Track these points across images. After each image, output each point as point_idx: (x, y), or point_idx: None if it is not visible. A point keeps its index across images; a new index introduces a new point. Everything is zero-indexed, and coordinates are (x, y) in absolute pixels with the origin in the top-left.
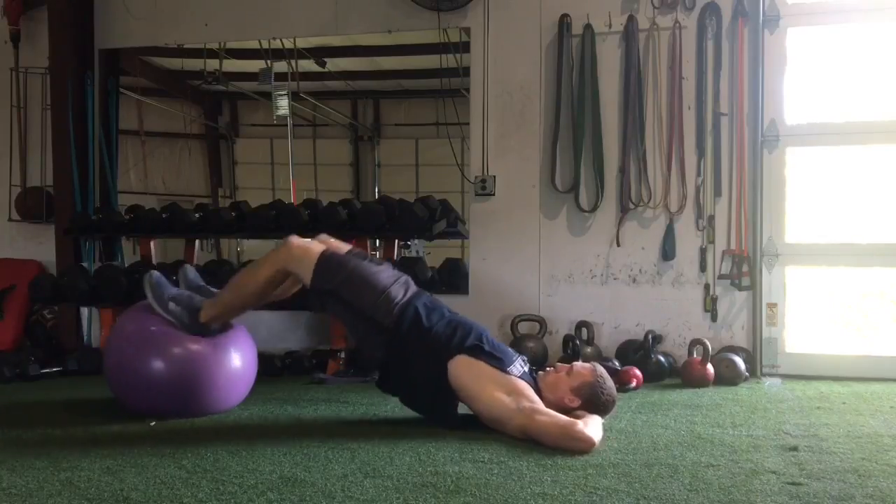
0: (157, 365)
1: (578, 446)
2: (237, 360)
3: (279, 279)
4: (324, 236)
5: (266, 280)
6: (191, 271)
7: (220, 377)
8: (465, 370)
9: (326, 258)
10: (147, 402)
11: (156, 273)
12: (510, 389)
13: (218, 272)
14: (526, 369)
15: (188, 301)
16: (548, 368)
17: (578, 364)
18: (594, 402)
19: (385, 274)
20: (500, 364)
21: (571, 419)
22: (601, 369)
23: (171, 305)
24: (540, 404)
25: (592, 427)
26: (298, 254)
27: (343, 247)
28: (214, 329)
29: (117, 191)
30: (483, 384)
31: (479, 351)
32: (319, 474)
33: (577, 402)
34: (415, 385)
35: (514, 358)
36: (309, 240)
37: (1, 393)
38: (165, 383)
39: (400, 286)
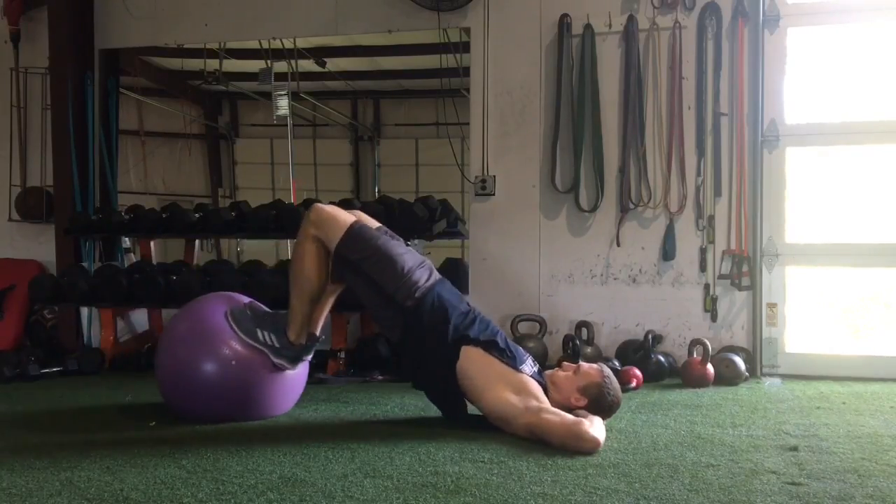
0: (211, 368)
1: (585, 447)
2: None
3: (321, 251)
4: (356, 211)
5: (309, 257)
6: (258, 306)
7: (276, 381)
8: (476, 362)
9: (357, 229)
10: (201, 406)
11: (235, 308)
12: (519, 388)
13: (218, 272)
14: (536, 369)
15: (273, 322)
16: (555, 368)
17: (586, 364)
18: (600, 402)
19: (410, 255)
20: (513, 362)
21: (578, 419)
22: (608, 370)
23: (259, 334)
24: (547, 404)
25: (597, 428)
26: (326, 216)
27: (373, 222)
28: (307, 346)
29: (117, 191)
30: (492, 381)
31: (494, 346)
32: (319, 474)
33: (583, 402)
34: (426, 368)
35: (526, 358)
36: (338, 207)
37: (1, 393)
38: (221, 388)
39: (424, 270)
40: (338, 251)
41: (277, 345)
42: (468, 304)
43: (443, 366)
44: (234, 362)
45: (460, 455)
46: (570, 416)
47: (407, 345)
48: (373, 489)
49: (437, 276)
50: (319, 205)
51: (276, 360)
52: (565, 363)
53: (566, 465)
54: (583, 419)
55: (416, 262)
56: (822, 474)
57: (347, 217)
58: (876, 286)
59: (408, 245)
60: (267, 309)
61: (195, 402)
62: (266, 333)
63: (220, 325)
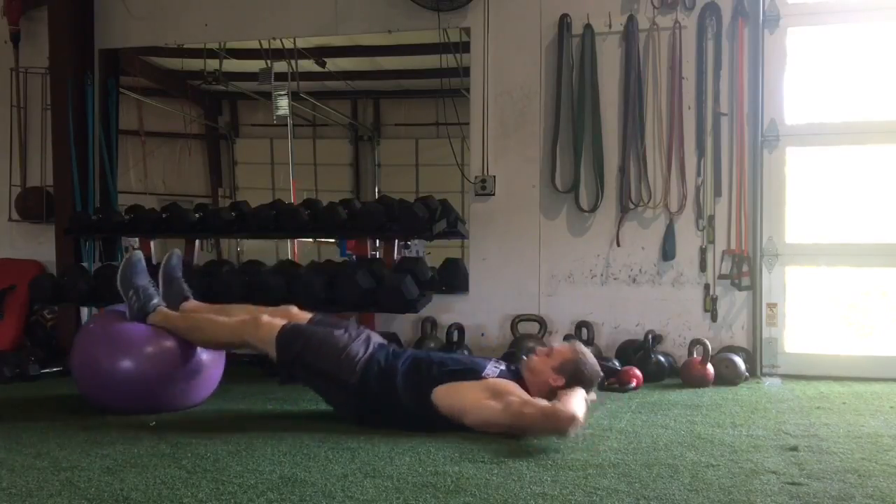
0: (125, 363)
1: (562, 426)
2: (204, 353)
3: (236, 347)
4: (290, 308)
5: (226, 343)
6: (176, 258)
7: (187, 371)
8: (447, 396)
9: (285, 331)
10: (114, 398)
11: (138, 254)
12: (493, 391)
13: (218, 272)
14: (502, 367)
15: (145, 300)
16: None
17: (558, 344)
18: (579, 376)
19: (343, 334)
20: (474, 375)
21: (549, 403)
22: (581, 346)
23: (131, 293)
24: (523, 394)
25: (573, 402)
26: (263, 335)
27: (305, 316)
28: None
29: (117, 191)
30: (464, 396)
31: (450, 374)
32: (319, 474)
33: (561, 381)
34: (409, 420)
35: (486, 364)
36: (272, 318)
37: (1, 393)
38: (132, 380)
39: (360, 344)
40: (279, 357)
41: (136, 313)
42: (410, 351)
43: (424, 411)
44: (146, 358)
45: (460, 455)
46: (542, 402)
47: (366, 417)
48: (373, 489)
49: (375, 343)
50: (261, 321)
51: (128, 315)
52: (539, 348)
53: (566, 465)
54: (555, 402)
55: (351, 338)
56: (822, 474)
57: (278, 322)
58: (876, 286)
59: (345, 324)
60: (181, 283)
61: (111, 396)
62: (135, 300)
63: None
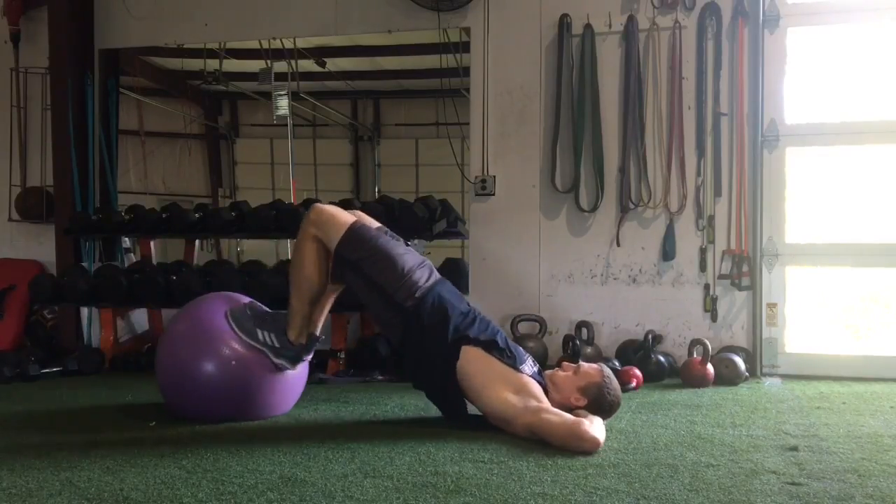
0: (211, 368)
1: (584, 446)
2: None
3: (321, 251)
4: (356, 211)
5: (310, 257)
6: (239, 312)
7: (275, 381)
8: (475, 361)
9: (357, 229)
10: (201, 406)
11: (235, 309)
12: (519, 388)
13: (218, 272)
14: (536, 369)
15: (273, 322)
16: (555, 368)
17: (586, 364)
18: (600, 402)
19: (410, 256)
20: (513, 362)
21: (578, 419)
22: (608, 370)
23: (260, 334)
24: (547, 404)
25: (597, 428)
26: (326, 216)
27: (373, 223)
28: (307, 345)
29: (117, 191)
30: (492, 380)
31: (493, 346)
32: (319, 474)
33: (583, 402)
34: (426, 368)
35: (526, 358)
36: (338, 207)
37: (1, 393)
38: (221, 388)
39: (425, 270)
40: (337, 251)
41: (277, 345)
42: (468, 304)
43: (442, 365)
44: (234, 362)
45: (460, 455)
46: (570, 416)
47: (407, 345)
48: (373, 489)
49: (437, 276)
50: (320, 205)
51: (277, 361)
52: (565, 363)
53: (566, 465)
54: (583, 419)
55: (417, 262)
56: (822, 474)
57: (348, 217)
58: (876, 286)
59: (408, 245)
60: (267, 309)
61: (195, 402)
62: (266, 333)
63: (220, 325)
